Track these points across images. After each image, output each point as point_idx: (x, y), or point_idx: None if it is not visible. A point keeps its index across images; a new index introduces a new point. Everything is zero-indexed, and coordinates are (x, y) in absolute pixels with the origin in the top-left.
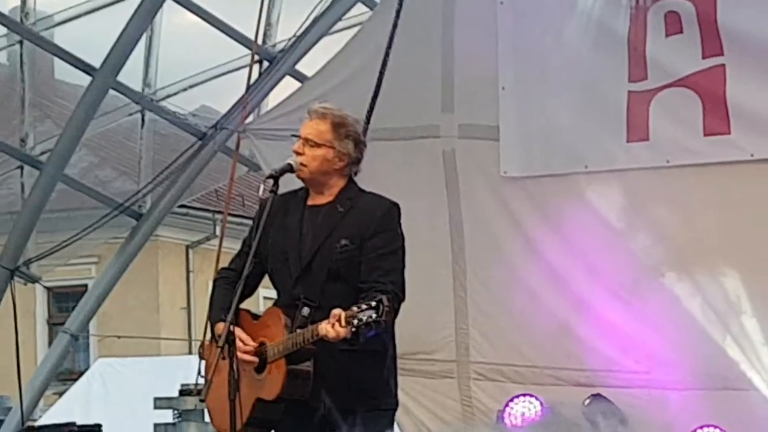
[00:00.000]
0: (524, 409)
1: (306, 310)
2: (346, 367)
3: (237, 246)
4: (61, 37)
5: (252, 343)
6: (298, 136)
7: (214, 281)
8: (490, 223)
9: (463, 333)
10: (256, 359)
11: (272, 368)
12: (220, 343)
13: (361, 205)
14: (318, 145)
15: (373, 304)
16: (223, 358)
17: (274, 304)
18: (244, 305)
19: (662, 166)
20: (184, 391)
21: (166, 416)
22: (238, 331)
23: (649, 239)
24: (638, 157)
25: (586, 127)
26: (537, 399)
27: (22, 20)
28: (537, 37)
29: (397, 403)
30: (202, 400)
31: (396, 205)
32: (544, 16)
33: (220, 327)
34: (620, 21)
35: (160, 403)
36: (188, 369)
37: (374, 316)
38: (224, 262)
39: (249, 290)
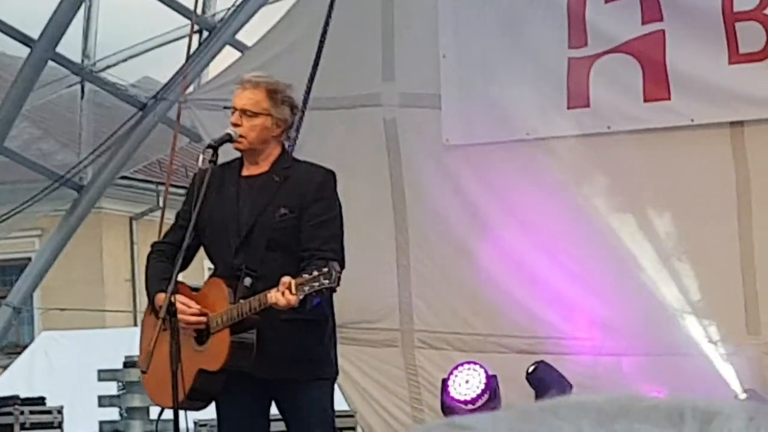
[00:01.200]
0: (468, 376)
1: (248, 280)
2: (288, 337)
3: None
4: (1, 8)
5: (196, 306)
6: (232, 108)
7: (149, 255)
8: (432, 192)
9: (406, 302)
10: (203, 319)
11: (215, 339)
12: (161, 314)
13: (298, 174)
14: (255, 115)
15: (325, 270)
16: (164, 330)
17: (212, 275)
18: (185, 278)
19: (603, 132)
20: (129, 363)
21: (111, 388)
22: (181, 297)
23: (592, 206)
24: (579, 124)
25: (527, 94)
26: (481, 367)
27: None
28: (477, 4)
29: (337, 372)
30: (143, 372)
31: (332, 173)
32: None
33: (161, 298)
34: None
35: (104, 375)
36: (132, 341)
37: (326, 282)
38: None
39: (185, 262)
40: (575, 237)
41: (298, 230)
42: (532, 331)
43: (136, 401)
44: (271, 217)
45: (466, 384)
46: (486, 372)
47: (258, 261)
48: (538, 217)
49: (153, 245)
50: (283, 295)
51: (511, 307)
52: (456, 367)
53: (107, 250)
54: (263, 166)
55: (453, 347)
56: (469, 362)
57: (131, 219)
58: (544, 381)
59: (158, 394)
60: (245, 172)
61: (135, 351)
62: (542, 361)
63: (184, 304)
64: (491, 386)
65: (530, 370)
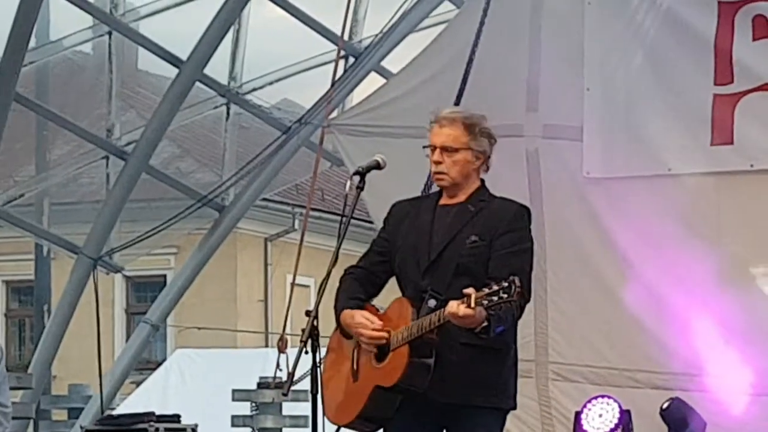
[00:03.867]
0: (602, 410)
1: (432, 302)
2: (467, 362)
3: (317, 240)
4: (146, 29)
5: (378, 322)
6: (430, 147)
7: (342, 278)
8: (571, 224)
9: (542, 333)
10: (383, 334)
11: (393, 356)
12: (303, 337)
13: (493, 206)
14: (456, 150)
15: (505, 284)
16: (306, 353)
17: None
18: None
19: (746, 170)
20: (263, 384)
21: (244, 408)
22: (364, 312)
23: (733, 243)
24: (722, 161)
25: (670, 129)
26: (615, 401)
27: (111, 11)
28: (623, 38)
29: (515, 405)
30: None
31: (526, 208)
32: (630, 18)
33: (346, 314)
34: (707, 24)
35: (238, 395)
36: (265, 362)
37: (505, 296)
38: (304, 255)
39: (376, 289)
40: (715, 275)
41: (487, 258)
42: (668, 366)
43: (269, 422)
44: (462, 243)
45: (600, 418)
46: (620, 406)
47: (444, 285)
48: (678, 254)
49: (346, 269)
50: (460, 305)
51: (648, 342)
52: (590, 401)
53: (241, 271)
54: (461, 198)
55: (587, 380)
56: (603, 396)
57: (266, 240)
58: (678, 418)
59: (334, 412)
60: (442, 202)
61: (268, 372)
62: (677, 398)
63: (366, 318)
64: (624, 421)
65: (664, 406)
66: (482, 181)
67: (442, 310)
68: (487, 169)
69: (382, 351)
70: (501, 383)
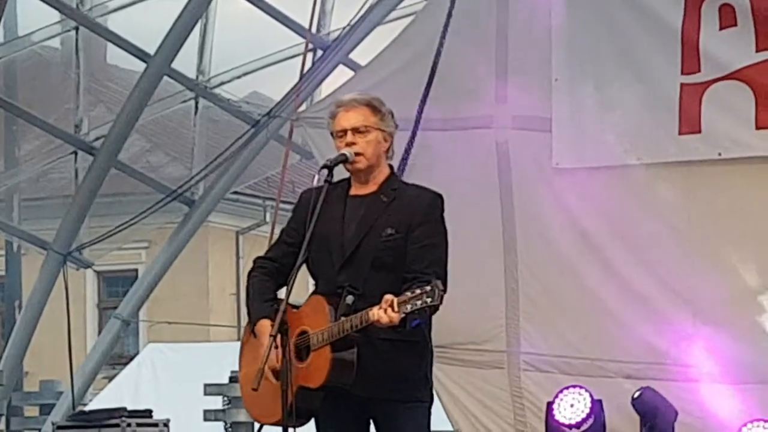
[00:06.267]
0: (574, 400)
1: (350, 298)
2: (388, 357)
3: None
4: (114, 23)
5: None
6: (340, 132)
7: (250, 271)
8: (542, 215)
9: (513, 324)
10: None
11: (315, 356)
12: (273, 332)
13: (405, 196)
14: (368, 130)
15: (428, 288)
16: (276, 347)
17: (314, 293)
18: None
19: (714, 159)
20: (234, 378)
21: (216, 402)
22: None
23: (702, 232)
24: (690, 150)
25: (639, 119)
26: (587, 391)
27: (78, 6)
28: (590, 28)
29: (433, 397)
30: (254, 389)
31: (440, 196)
32: (598, 7)
33: (262, 325)
34: (673, 13)
35: (210, 389)
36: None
37: (429, 300)
38: None
39: (285, 279)
40: (685, 264)
41: (404, 251)
42: (639, 356)
43: (241, 416)
44: (378, 236)
45: (571, 408)
46: (591, 396)
47: (361, 280)
48: (648, 243)
49: (255, 261)
50: (385, 312)
51: (619, 332)
52: (561, 391)
53: (213, 264)
54: (371, 187)
55: (559, 370)
56: (574, 386)
57: (237, 233)
58: (650, 407)
59: (258, 411)
60: (353, 192)
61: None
62: (648, 387)
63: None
64: (596, 411)
65: (636, 395)
66: (391, 167)
67: (365, 312)
68: (393, 154)
69: (301, 350)
70: (422, 376)
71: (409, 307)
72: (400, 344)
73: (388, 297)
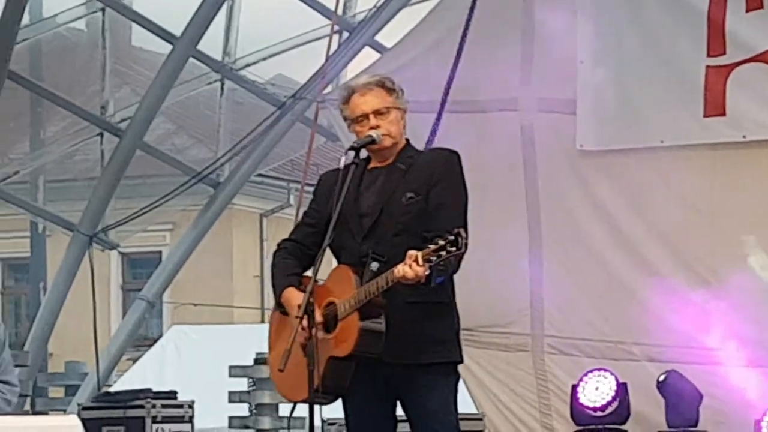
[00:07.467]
0: (598, 383)
1: (375, 265)
2: (414, 320)
3: None
4: (139, 5)
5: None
6: (360, 117)
7: (274, 253)
8: (565, 197)
9: (538, 307)
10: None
11: (343, 325)
12: (299, 313)
13: (422, 160)
14: (388, 111)
15: (451, 238)
16: (303, 329)
17: (339, 265)
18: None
19: (739, 141)
20: (259, 360)
21: (241, 384)
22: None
23: (725, 214)
24: (715, 132)
25: (663, 101)
26: (611, 374)
27: None
28: (616, 10)
29: (462, 359)
30: (281, 370)
31: (455, 153)
32: None
33: (289, 293)
34: None
35: (235, 371)
36: (261, 337)
37: (453, 249)
38: None
39: (309, 261)
40: (709, 246)
41: (426, 213)
42: (664, 339)
43: (266, 398)
44: (398, 202)
45: (596, 391)
46: (616, 379)
47: (386, 246)
48: (672, 225)
49: (279, 243)
50: (410, 267)
51: (643, 315)
52: (586, 374)
53: (237, 246)
54: (389, 160)
55: (583, 353)
56: (599, 369)
57: (261, 216)
58: (675, 390)
59: (290, 390)
60: (372, 166)
61: (264, 348)
62: (673, 370)
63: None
64: (621, 394)
65: (661, 378)
66: (407, 139)
67: (390, 272)
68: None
69: (329, 321)
70: (450, 336)
71: (434, 258)
72: (428, 306)
73: (412, 252)
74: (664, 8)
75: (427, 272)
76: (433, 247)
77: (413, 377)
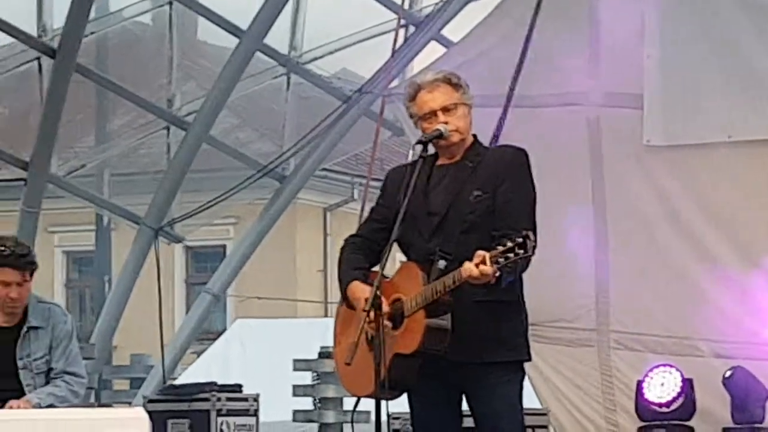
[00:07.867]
0: (664, 379)
1: (442, 263)
2: (482, 320)
3: None
4: None
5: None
6: (428, 114)
7: (342, 248)
8: (632, 192)
9: (603, 302)
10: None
11: (410, 322)
12: (366, 307)
13: (489, 157)
14: (456, 107)
15: (519, 240)
16: (369, 323)
17: (407, 262)
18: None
19: None
20: (323, 354)
21: (305, 378)
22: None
23: None
24: None
25: (731, 96)
26: (677, 369)
27: None
28: (685, 4)
29: (530, 357)
30: (347, 364)
31: (523, 150)
32: None
33: (354, 286)
34: None
35: (299, 365)
36: (324, 331)
37: (521, 252)
38: None
39: (376, 257)
40: None
41: (493, 211)
42: (730, 335)
43: (330, 392)
44: (466, 200)
45: (661, 387)
46: (682, 375)
47: (453, 244)
48: (739, 221)
49: (346, 239)
50: (477, 266)
51: (709, 311)
52: (651, 369)
53: (301, 241)
54: (457, 157)
55: (649, 349)
56: (664, 364)
57: (325, 210)
58: (741, 387)
59: (355, 384)
60: (440, 163)
61: (328, 342)
62: (740, 367)
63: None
64: (686, 390)
65: (727, 375)
66: (475, 136)
67: (458, 271)
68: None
69: (396, 318)
70: (517, 336)
71: (502, 260)
72: (496, 305)
73: (480, 252)
74: (733, 2)
75: (498, 273)
76: (501, 248)
77: (480, 376)
